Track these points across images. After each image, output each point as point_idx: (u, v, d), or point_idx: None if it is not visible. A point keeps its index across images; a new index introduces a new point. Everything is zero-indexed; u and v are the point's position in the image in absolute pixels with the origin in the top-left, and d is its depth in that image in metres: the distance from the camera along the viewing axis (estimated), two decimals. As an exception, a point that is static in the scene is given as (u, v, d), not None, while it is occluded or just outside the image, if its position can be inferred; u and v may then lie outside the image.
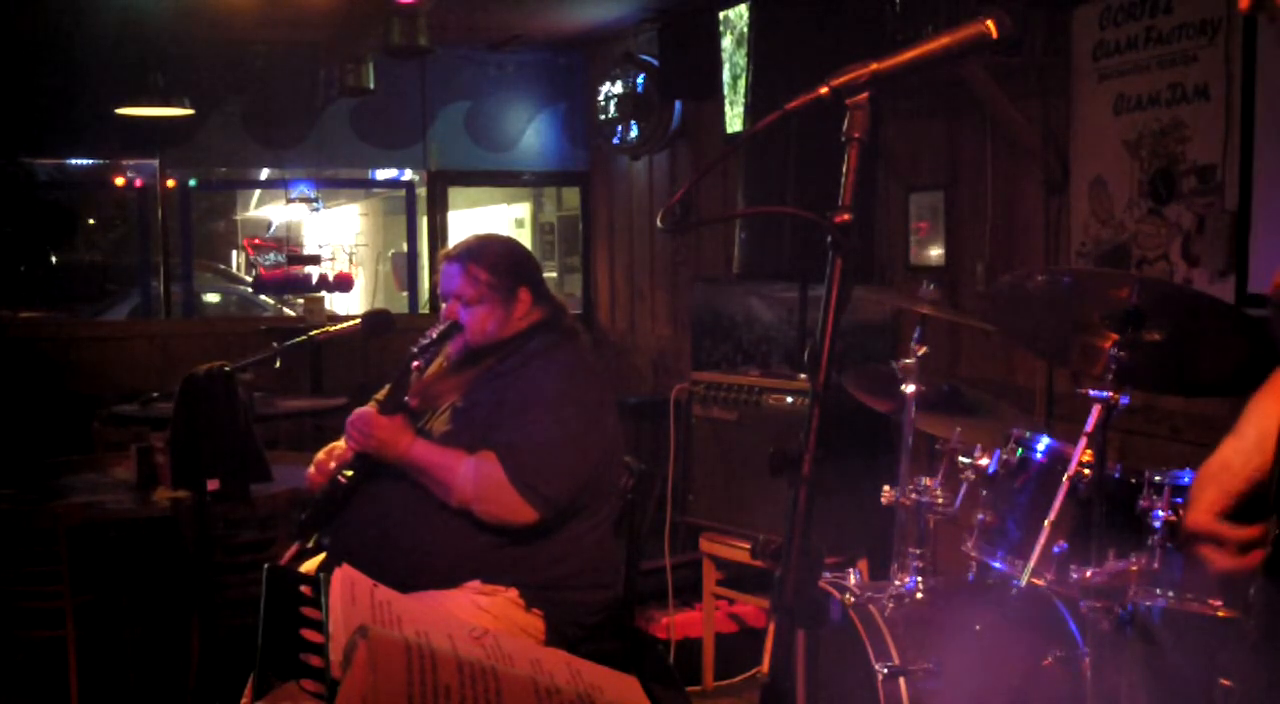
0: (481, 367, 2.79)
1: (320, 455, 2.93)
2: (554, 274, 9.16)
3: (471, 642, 1.65)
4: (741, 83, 5.33)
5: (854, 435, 3.91)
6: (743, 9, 5.40)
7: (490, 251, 2.87)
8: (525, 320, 2.84)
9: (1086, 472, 2.41)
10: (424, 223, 8.00)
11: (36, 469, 4.17)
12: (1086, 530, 2.39)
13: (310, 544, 2.74)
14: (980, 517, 2.68)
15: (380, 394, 2.95)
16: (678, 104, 6.31)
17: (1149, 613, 2.32)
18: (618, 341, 7.14)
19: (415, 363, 2.81)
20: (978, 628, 2.61)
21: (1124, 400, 2.38)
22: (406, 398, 2.78)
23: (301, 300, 7.59)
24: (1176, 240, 3.59)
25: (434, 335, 2.81)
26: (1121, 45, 3.72)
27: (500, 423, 2.68)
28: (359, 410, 2.81)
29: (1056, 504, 2.39)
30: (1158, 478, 2.37)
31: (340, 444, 2.88)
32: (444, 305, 2.87)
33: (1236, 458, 1.38)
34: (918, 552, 2.76)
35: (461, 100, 7.37)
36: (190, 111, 6.25)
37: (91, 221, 14.42)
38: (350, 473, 2.73)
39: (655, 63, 6.24)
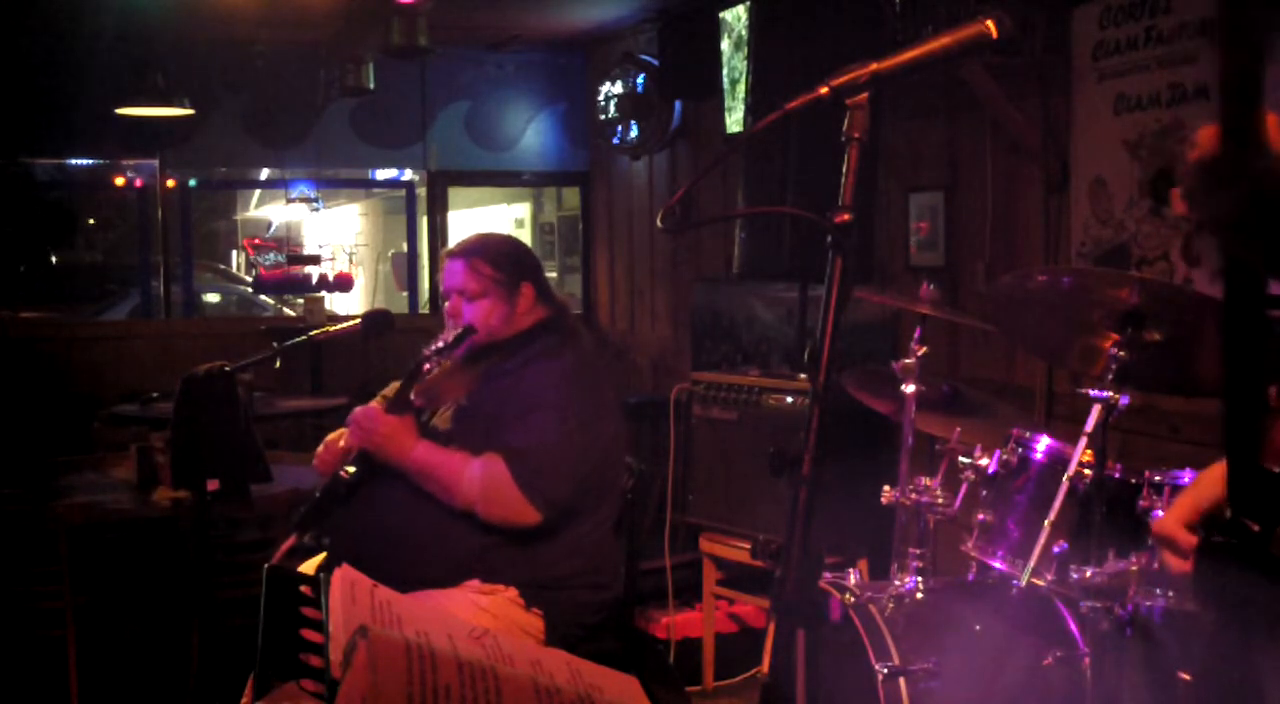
0: (485, 365, 2.79)
1: (331, 436, 2.94)
2: (554, 274, 9.15)
3: (471, 642, 1.65)
4: (740, 87, 5.33)
5: (854, 435, 3.91)
6: (740, 11, 5.39)
7: (493, 247, 2.88)
8: (529, 317, 2.84)
9: (1086, 472, 2.41)
10: (424, 223, 8.00)
11: (37, 469, 4.17)
12: (1086, 530, 2.39)
13: (307, 538, 2.73)
14: (980, 517, 2.68)
15: (388, 390, 2.95)
16: (678, 104, 6.30)
17: (1149, 613, 2.32)
18: (618, 341, 7.14)
19: (426, 366, 2.80)
20: (978, 628, 2.61)
21: (1124, 400, 2.38)
22: (411, 396, 2.78)
23: (301, 300, 7.59)
24: (1176, 240, 3.59)
25: (449, 339, 2.80)
26: (1121, 45, 3.72)
27: (504, 424, 2.68)
28: (364, 407, 2.81)
29: (1056, 504, 2.40)
30: (1158, 478, 2.37)
31: None
32: (447, 302, 2.87)
33: (1223, 474, 1.39)
34: (918, 552, 2.76)
35: (461, 100, 7.37)
36: (190, 111, 6.24)
37: (91, 221, 14.43)
38: (353, 469, 2.73)
39: (655, 63, 6.24)
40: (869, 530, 3.57)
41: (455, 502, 2.64)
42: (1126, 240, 3.75)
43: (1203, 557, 1.26)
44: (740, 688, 4.30)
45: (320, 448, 2.96)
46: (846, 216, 1.41)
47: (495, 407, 2.72)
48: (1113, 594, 2.33)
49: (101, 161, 8.61)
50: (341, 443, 2.87)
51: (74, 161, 8.86)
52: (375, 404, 2.89)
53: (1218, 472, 1.41)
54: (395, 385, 3.03)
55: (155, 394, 5.21)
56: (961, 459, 2.80)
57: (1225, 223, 1.16)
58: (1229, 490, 1.19)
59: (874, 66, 1.44)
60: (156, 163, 7.04)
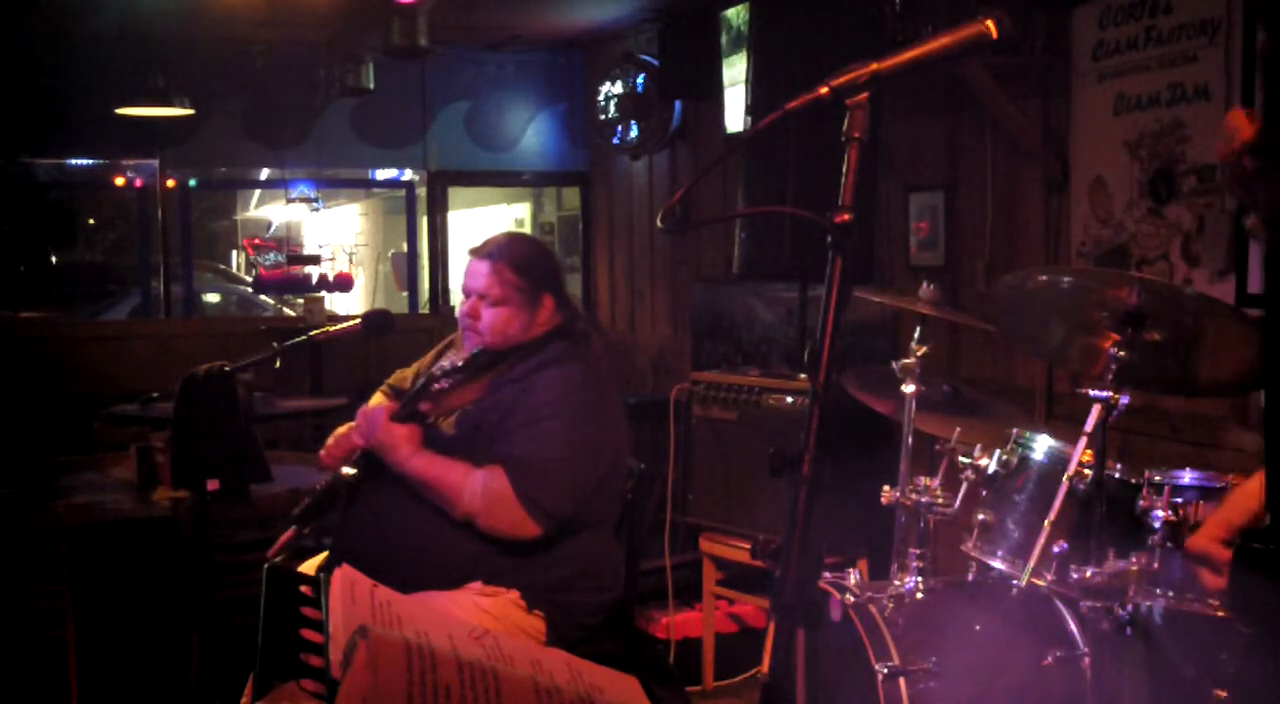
0: (494, 372, 2.77)
1: (341, 430, 2.94)
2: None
3: (471, 642, 1.65)
4: (740, 87, 5.32)
5: (854, 435, 3.91)
6: (740, 10, 5.40)
7: (520, 253, 2.81)
8: (544, 326, 2.81)
9: (1086, 472, 2.41)
10: (424, 223, 8.01)
11: (37, 469, 4.17)
12: (1086, 530, 2.39)
13: (305, 533, 2.72)
14: (980, 517, 2.68)
15: (393, 378, 2.94)
16: (678, 104, 6.31)
17: (1149, 613, 2.32)
18: (618, 342, 7.14)
19: (437, 385, 2.76)
20: (978, 628, 2.61)
21: (1124, 400, 2.38)
22: (418, 406, 2.75)
23: (301, 300, 7.59)
24: (1176, 240, 3.59)
25: (460, 362, 2.77)
26: (1121, 45, 3.72)
27: (508, 434, 2.66)
28: (373, 406, 2.80)
29: (1056, 504, 2.40)
30: (1158, 478, 2.37)
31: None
32: (464, 301, 2.82)
33: (1256, 489, 1.35)
34: (918, 552, 2.76)
35: (461, 100, 7.37)
36: (190, 111, 6.25)
37: (91, 221, 14.45)
38: (354, 471, 2.72)
39: (655, 63, 6.24)
40: (869, 530, 3.57)
41: (455, 512, 2.62)
42: (1126, 240, 3.75)
43: (1238, 564, 1.24)
44: (740, 688, 4.30)
45: (331, 439, 2.95)
46: (846, 216, 1.41)
47: (502, 415, 2.69)
48: (1113, 594, 2.33)
49: (101, 161, 8.62)
50: (353, 438, 2.87)
51: (74, 161, 8.87)
52: (379, 396, 2.88)
53: (1252, 487, 1.40)
54: (400, 374, 3.03)
55: (155, 394, 5.21)
56: (961, 459, 2.80)
57: (1270, 205, 1.14)
58: (1268, 497, 1.17)
59: (874, 66, 1.44)
60: (156, 163, 7.05)
